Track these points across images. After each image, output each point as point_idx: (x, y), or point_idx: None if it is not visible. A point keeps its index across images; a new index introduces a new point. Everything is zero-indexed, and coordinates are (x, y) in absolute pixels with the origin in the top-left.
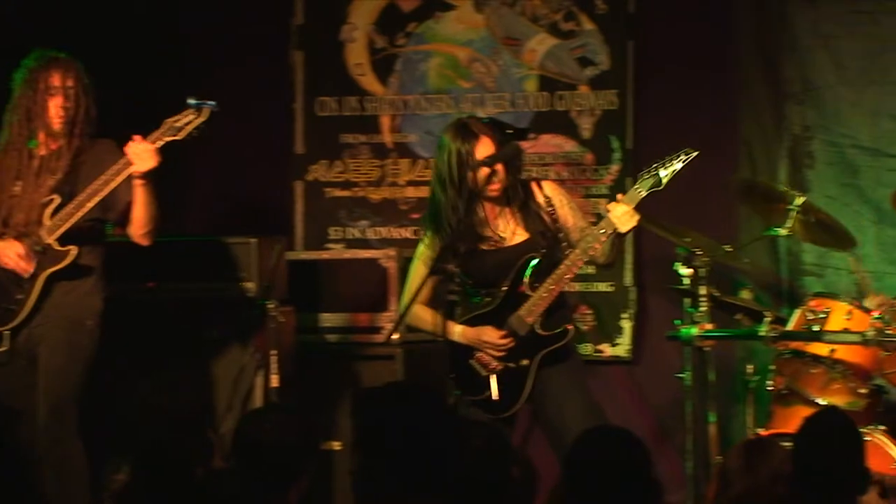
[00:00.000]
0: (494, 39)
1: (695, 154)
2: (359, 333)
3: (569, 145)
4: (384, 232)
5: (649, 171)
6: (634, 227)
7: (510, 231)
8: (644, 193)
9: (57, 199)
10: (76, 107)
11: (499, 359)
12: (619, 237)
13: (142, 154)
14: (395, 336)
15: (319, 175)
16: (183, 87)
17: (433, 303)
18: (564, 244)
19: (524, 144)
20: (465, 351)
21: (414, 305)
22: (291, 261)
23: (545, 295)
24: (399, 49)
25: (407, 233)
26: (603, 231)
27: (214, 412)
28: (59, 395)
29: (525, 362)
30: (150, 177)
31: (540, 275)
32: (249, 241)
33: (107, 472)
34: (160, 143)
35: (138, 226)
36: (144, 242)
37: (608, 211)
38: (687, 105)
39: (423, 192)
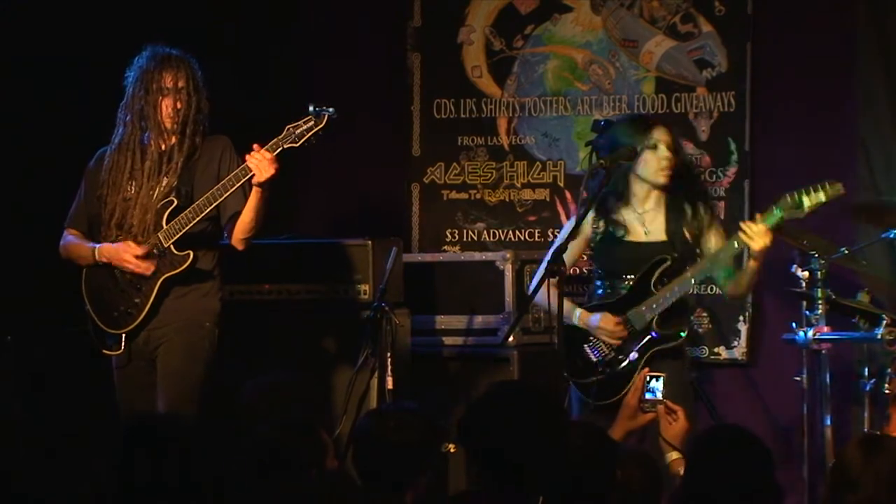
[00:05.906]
0: (612, 41)
1: (841, 193)
2: (474, 336)
3: (686, 147)
4: (501, 234)
5: (792, 196)
6: (768, 247)
7: (651, 228)
8: (782, 216)
9: (174, 202)
10: (188, 107)
11: (610, 347)
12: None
13: (262, 164)
14: (511, 339)
15: (436, 177)
16: (300, 89)
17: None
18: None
19: None
20: (581, 335)
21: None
22: (407, 263)
23: (668, 295)
24: (516, 51)
25: (523, 235)
26: (736, 247)
27: (329, 413)
28: (178, 396)
29: (634, 356)
30: (267, 185)
31: (668, 276)
32: (365, 243)
33: None
34: (279, 150)
35: (241, 230)
36: (240, 247)
37: (742, 230)
38: (805, 107)
39: (540, 194)
